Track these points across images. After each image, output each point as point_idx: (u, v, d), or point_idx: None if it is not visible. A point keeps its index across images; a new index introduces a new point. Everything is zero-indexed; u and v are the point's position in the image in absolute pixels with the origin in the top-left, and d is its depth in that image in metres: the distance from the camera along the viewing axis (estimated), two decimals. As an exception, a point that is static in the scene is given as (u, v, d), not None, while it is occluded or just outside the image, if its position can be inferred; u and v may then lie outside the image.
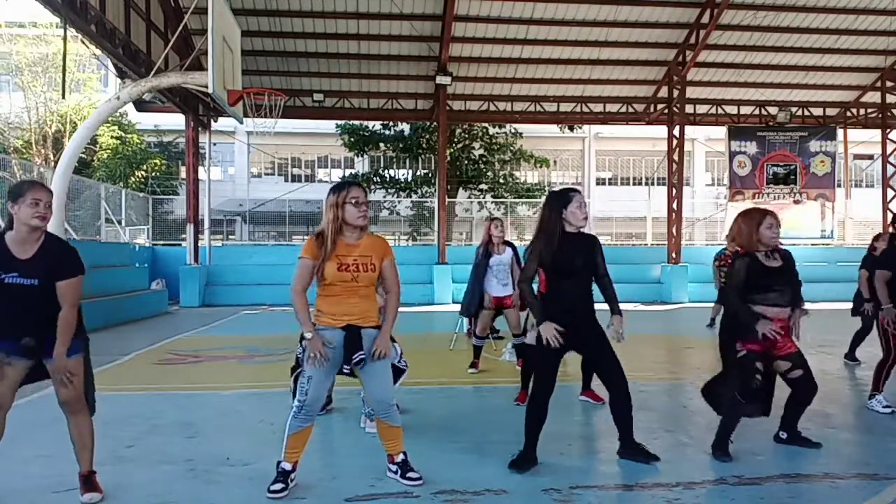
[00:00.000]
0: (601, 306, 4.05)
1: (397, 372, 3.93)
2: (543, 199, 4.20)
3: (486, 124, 22.97)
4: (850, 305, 7.74)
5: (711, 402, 4.31)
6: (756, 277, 4.11)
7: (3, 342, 3.31)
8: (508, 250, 6.64)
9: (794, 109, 19.20)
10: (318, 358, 3.43)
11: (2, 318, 3.29)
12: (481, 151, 24.45)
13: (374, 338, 3.58)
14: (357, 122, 22.63)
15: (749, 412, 4.19)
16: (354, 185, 3.63)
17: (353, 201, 3.54)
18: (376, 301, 3.76)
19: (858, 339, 7.58)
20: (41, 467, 3.97)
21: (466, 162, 24.10)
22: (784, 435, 4.34)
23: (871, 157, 25.22)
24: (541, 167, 25.47)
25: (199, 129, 17.35)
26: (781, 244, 4.25)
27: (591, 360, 4.14)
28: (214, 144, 19.79)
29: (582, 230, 4.04)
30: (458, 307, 7.34)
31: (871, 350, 7.73)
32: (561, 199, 4.00)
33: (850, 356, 7.61)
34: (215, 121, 18.01)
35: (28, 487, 3.65)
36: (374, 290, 3.72)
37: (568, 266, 3.93)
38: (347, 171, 26.27)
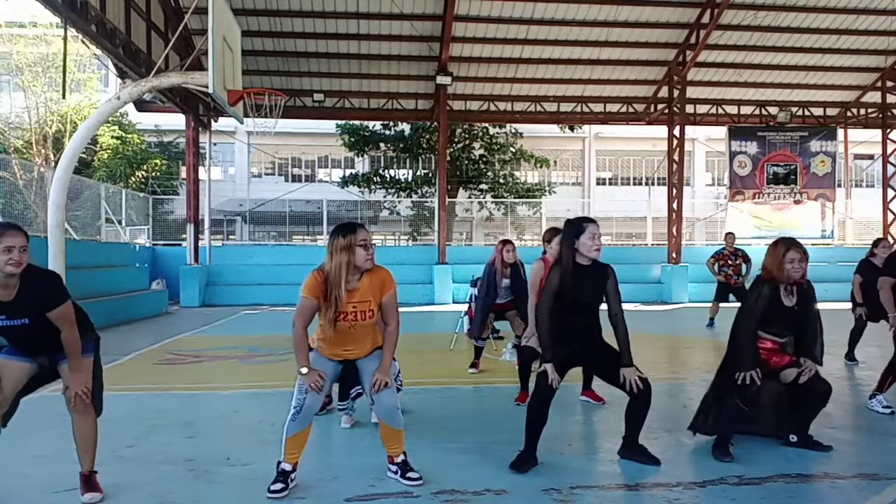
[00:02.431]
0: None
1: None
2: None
3: (486, 124, 22.99)
4: (850, 305, 7.75)
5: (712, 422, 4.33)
6: (770, 310, 4.14)
7: (10, 352, 3.45)
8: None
9: (794, 109, 19.21)
10: (313, 390, 3.53)
11: (11, 343, 3.44)
12: (481, 151, 24.46)
13: (373, 369, 3.64)
14: (357, 122, 22.65)
15: (743, 426, 4.25)
16: (360, 226, 3.58)
17: (363, 244, 3.50)
18: (376, 333, 3.77)
19: (855, 338, 7.55)
20: (40, 468, 3.97)
21: (467, 162, 24.10)
22: (794, 438, 4.31)
23: (871, 157, 25.21)
24: (541, 167, 25.48)
25: (200, 128, 17.35)
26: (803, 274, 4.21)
27: (605, 377, 4.13)
28: (215, 144, 19.81)
29: (596, 260, 3.99)
30: (458, 307, 7.35)
31: (871, 350, 7.75)
32: (573, 230, 3.96)
33: (850, 356, 7.59)
34: (215, 121, 18.02)
35: (27, 487, 3.65)
36: (373, 328, 3.73)
37: (574, 299, 3.92)
38: (348, 171, 26.21)
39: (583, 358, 4.12)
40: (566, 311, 3.96)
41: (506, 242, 6.65)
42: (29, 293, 3.26)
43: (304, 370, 3.52)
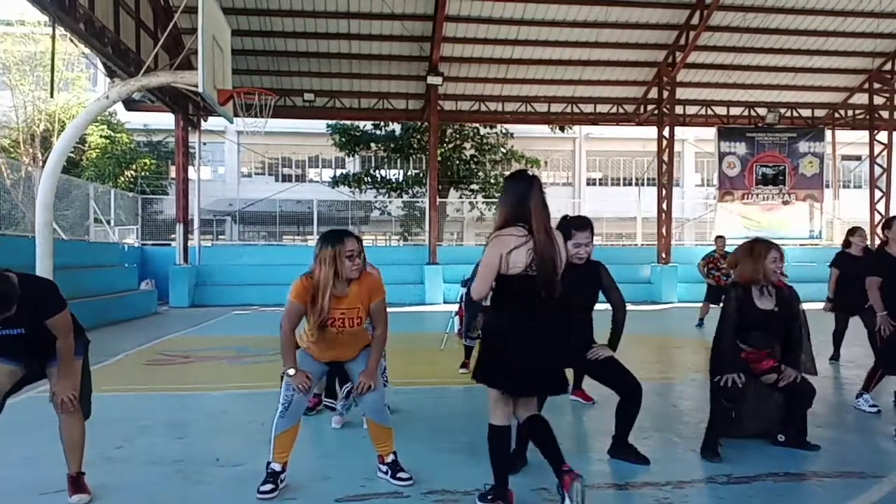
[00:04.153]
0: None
1: None
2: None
3: (476, 124, 22.98)
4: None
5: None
6: (745, 314, 4.12)
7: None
8: None
9: (782, 111, 19.31)
10: (300, 391, 3.54)
11: (2, 349, 3.39)
12: (472, 152, 24.46)
13: (360, 371, 3.66)
14: (348, 122, 22.59)
15: (733, 430, 4.28)
16: (348, 236, 3.57)
17: (350, 254, 3.51)
18: (364, 336, 3.77)
19: (838, 338, 7.58)
20: (28, 469, 3.94)
21: (457, 162, 24.10)
22: (782, 437, 4.34)
23: (858, 158, 25.42)
24: (532, 167, 25.50)
25: (189, 128, 17.26)
26: (785, 278, 4.22)
27: (596, 377, 4.14)
28: (204, 144, 19.70)
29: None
30: (449, 307, 7.35)
31: (856, 349, 7.80)
32: (564, 232, 3.91)
33: (836, 357, 7.63)
34: (205, 120, 17.92)
35: (14, 489, 3.62)
36: (361, 333, 3.73)
37: (568, 299, 3.90)
38: (338, 171, 26.14)
39: (582, 356, 4.10)
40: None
41: None
42: (25, 304, 3.24)
43: (292, 371, 3.53)
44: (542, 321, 3.15)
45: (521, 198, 3.23)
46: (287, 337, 3.57)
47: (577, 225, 3.97)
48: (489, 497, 3.29)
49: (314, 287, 3.51)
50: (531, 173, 3.28)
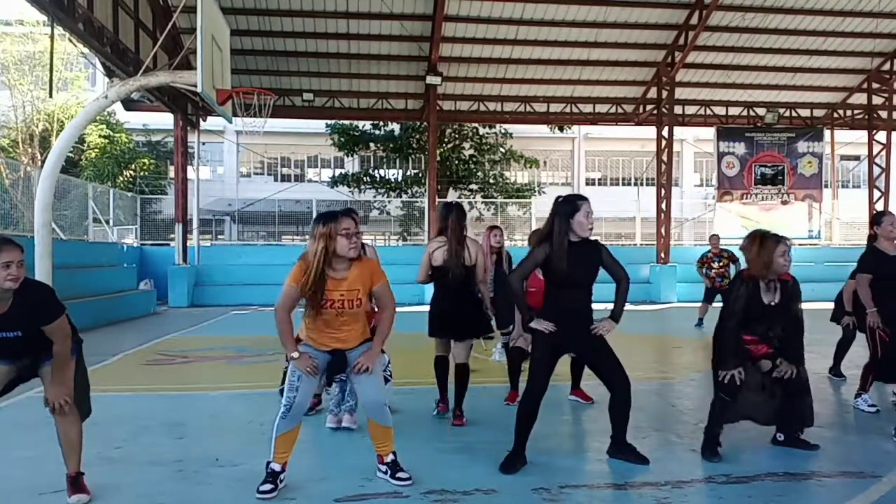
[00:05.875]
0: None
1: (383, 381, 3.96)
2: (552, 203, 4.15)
3: (476, 124, 22.99)
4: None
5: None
6: (750, 309, 4.09)
7: None
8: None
9: (781, 110, 19.32)
10: (309, 374, 3.48)
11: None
12: (471, 151, 24.46)
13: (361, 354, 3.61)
14: (347, 122, 22.59)
15: (733, 415, 4.24)
16: (346, 214, 3.56)
17: (345, 233, 3.47)
18: (363, 321, 3.72)
19: (842, 350, 6.85)
20: (27, 469, 3.94)
21: (457, 162, 24.10)
22: (781, 437, 4.34)
23: (857, 158, 25.45)
24: (531, 167, 25.52)
25: (188, 128, 17.25)
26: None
27: (590, 364, 4.13)
28: (203, 144, 19.69)
29: (585, 238, 4.00)
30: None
31: (857, 350, 7.80)
32: (568, 207, 3.94)
33: (836, 371, 6.83)
34: (204, 120, 17.92)
35: (13, 489, 3.62)
36: (361, 317, 3.69)
37: (569, 277, 3.90)
38: (337, 171, 26.16)
39: (573, 342, 4.01)
40: (560, 287, 3.96)
41: (493, 228, 6.61)
42: (24, 307, 3.24)
43: (296, 355, 3.47)
44: (454, 293, 4.94)
45: (445, 218, 5.01)
46: (284, 321, 3.48)
47: (580, 196, 4.03)
48: (437, 403, 5.31)
49: (308, 265, 3.46)
50: (454, 202, 5.27)
